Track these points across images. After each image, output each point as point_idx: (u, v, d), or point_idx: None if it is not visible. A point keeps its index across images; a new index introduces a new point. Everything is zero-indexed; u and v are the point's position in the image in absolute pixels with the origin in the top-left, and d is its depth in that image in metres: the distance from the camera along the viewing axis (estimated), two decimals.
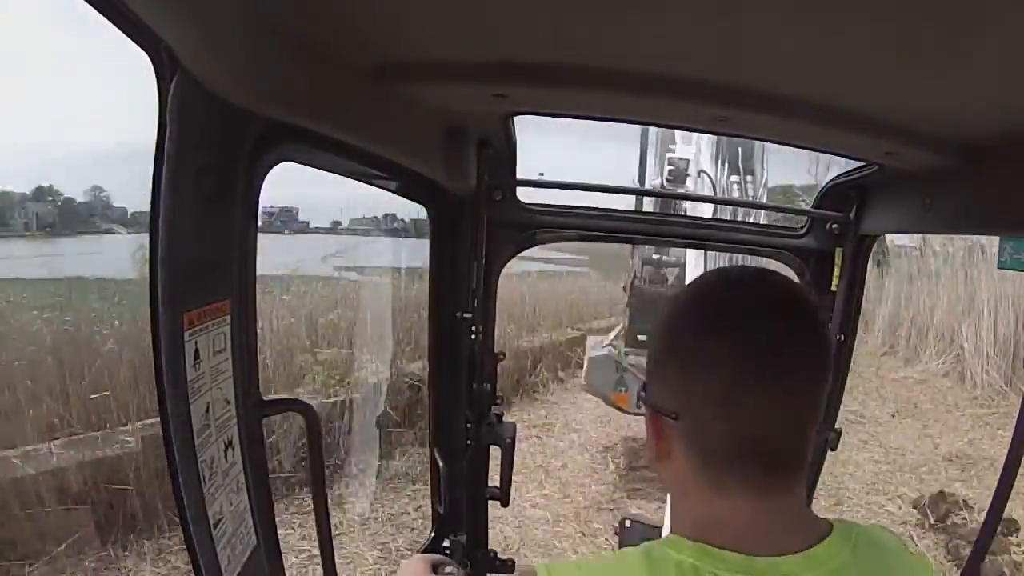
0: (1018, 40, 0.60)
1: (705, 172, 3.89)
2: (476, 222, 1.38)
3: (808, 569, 0.59)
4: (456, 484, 1.51)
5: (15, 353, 4.00)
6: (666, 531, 0.72)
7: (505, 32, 0.76)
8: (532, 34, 0.75)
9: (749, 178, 4.12)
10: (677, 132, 4.02)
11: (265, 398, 0.86)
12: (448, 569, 1.02)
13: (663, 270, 4.32)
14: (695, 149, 4.05)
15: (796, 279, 1.57)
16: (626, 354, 4.27)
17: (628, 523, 1.59)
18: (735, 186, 4.09)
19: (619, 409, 4.47)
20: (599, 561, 0.68)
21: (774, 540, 0.60)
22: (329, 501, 1.03)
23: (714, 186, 3.90)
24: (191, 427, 0.69)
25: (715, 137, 3.86)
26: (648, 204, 3.82)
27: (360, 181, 1.12)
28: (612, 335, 4.71)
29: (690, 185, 3.88)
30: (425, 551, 1.51)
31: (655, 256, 4.35)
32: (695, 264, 3.56)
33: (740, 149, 4.06)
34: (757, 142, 3.67)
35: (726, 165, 3.99)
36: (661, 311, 0.69)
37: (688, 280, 3.49)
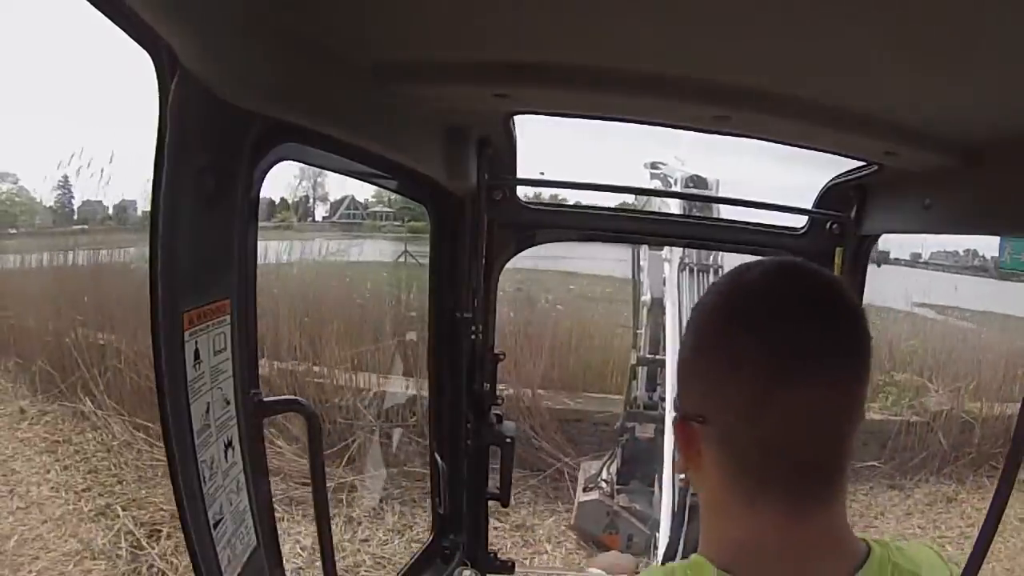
0: (1018, 40, 0.60)
1: (701, 175, 3.86)
2: (476, 222, 1.38)
3: None
4: (456, 484, 1.51)
5: None
6: None
7: (505, 32, 0.76)
8: (532, 34, 0.75)
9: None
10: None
11: (265, 398, 0.86)
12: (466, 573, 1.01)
13: (654, 396, 4.21)
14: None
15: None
16: (619, 491, 4.28)
17: None
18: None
19: (608, 550, 4.30)
20: None
21: (806, 569, 0.56)
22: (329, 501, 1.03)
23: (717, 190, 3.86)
24: (191, 427, 0.69)
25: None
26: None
27: (360, 181, 1.13)
28: (602, 472, 4.59)
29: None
30: (425, 552, 1.51)
31: (650, 356, 4.25)
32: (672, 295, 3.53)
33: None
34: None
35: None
36: (694, 308, 0.65)
37: (669, 297, 3.45)
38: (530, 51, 0.81)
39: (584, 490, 4.54)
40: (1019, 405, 1.32)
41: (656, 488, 3.74)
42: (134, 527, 4.11)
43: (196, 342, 0.69)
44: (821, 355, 0.55)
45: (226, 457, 0.76)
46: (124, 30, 0.58)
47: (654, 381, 4.33)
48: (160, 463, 4.52)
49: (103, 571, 3.74)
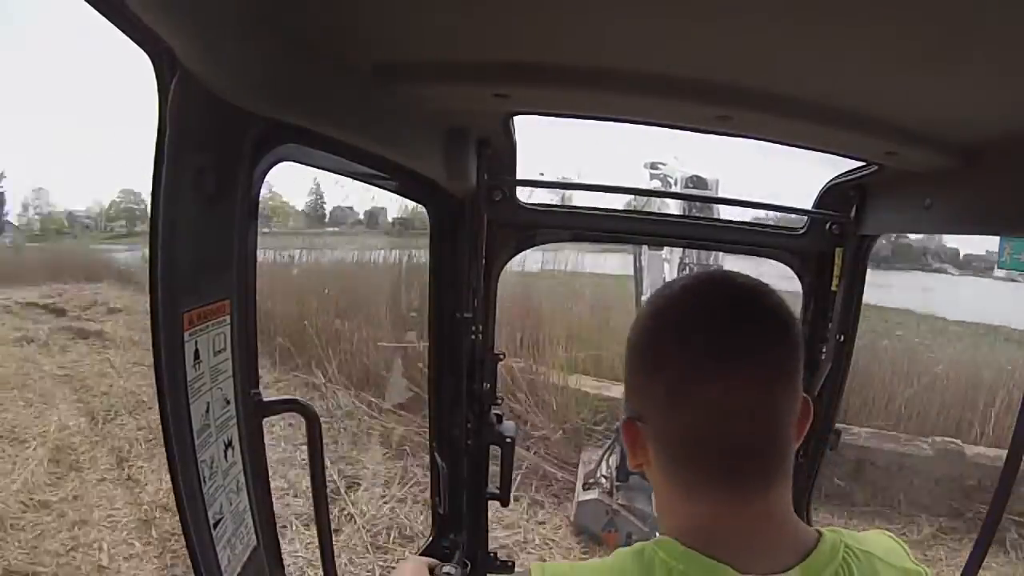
0: (1018, 40, 0.60)
1: (700, 176, 3.88)
2: (476, 222, 1.38)
3: None
4: (456, 484, 1.51)
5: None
6: None
7: (505, 32, 0.76)
8: (532, 34, 0.75)
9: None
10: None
11: (265, 398, 0.86)
12: (446, 569, 1.02)
13: None
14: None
15: (796, 279, 1.57)
16: (619, 488, 4.28)
17: None
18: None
19: (612, 547, 4.36)
20: (591, 562, 0.67)
21: (765, 554, 0.59)
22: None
23: (715, 191, 3.89)
24: (191, 427, 0.69)
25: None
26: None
27: (360, 181, 1.13)
28: (601, 467, 4.58)
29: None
30: (425, 551, 1.51)
31: None
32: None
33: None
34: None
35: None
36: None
37: None
38: (530, 51, 0.81)
39: (584, 487, 4.54)
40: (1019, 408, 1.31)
41: None
42: (337, 478, 4.90)
43: (196, 342, 0.69)
44: (735, 352, 0.59)
45: (226, 457, 0.76)
46: (124, 31, 0.58)
47: None
48: (375, 431, 5.65)
49: (302, 507, 4.34)
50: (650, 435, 0.63)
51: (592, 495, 4.37)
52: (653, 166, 4.13)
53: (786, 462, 0.62)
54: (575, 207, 1.52)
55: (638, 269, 4.53)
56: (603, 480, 4.43)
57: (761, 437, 0.60)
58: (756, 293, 0.64)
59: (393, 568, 1.07)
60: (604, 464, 4.51)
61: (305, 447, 0.95)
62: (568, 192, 2.21)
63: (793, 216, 1.67)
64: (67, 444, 5.22)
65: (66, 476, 4.90)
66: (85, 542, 4.20)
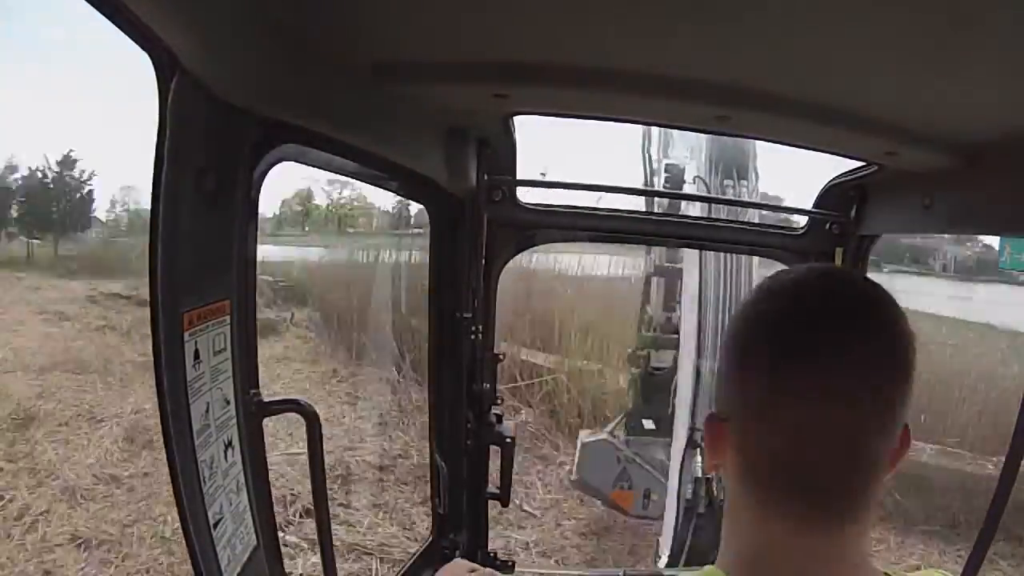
0: (1018, 40, 0.60)
1: (701, 178, 3.85)
2: (476, 222, 1.38)
3: None
4: (456, 484, 1.51)
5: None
6: None
7: (505, 32, 0.76)
8: (532, 34, 0.75)
9: (743, 182, 4.07)
10: (675, 134, 3.94)
11: (265, 399, 0.86)
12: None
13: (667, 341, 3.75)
14: (687, 154, 3.92)
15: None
16: (627, 443, 3.66)
17: None
18: (729, 191, 3.99)
19: (620, 511, 3.71)
20: None
21: None
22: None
23: (708, 190, 3.83)
24: (191, 427, 0.69)
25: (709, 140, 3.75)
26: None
27: (360, 181, 1.13)
28: (610, 427, 4.01)
29: (687, 191, 3.81)
30: (425, 551, 1.51)
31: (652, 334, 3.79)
32: (691, 266, 3.48)
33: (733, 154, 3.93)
34: (750, 146, 3.62)
35: (720, 170, 3.85)
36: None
37: (685, 304, 3.31)
38: (530, 51, 0.81)
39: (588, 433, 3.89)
40: (1019, 405, 1.32)
41: (672, 437, 3.30)
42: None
43: (196, 342, 0.69)
44: (841, 367, 0.53)
45: (226, 457, 0.76)
46: (123, 31, 0.58)
47: (673, 296, 3.75)
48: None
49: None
50: (733, 440, 0.58)
51: (599, 437, 3.72)
52: (667, 168, 4.09)
53: (870, 494, 0.56)
54: (575, 207, 1.52)
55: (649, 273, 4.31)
56: (611, 436, 3.80)
57: (847, 468, 0.54)
58: (869, 296, 0.57)
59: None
60: (611, 426, 3.95)
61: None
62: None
63: (793, 216, 1.67)
64: (142, 425, 5.40)
65: (138, 454, 5.11)
66: (150, 515, 4.41)
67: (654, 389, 3.67)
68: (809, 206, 1.53)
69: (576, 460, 3.79)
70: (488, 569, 1.05)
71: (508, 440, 1.45)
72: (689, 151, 3.93)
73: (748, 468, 0.57)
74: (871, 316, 0.55)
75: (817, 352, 0.53)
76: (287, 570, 0.98)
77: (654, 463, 3.48)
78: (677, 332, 3.57)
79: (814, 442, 0.53)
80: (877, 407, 0.54)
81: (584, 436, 3.86)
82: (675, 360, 3.52)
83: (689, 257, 3.48)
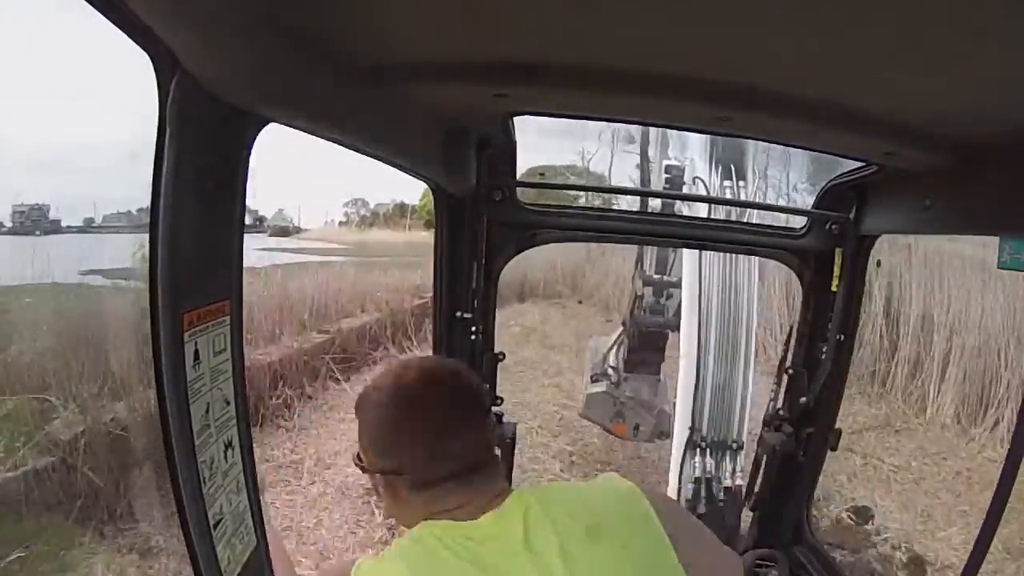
0: (1018, 40, 0.60)
1: (700, 178, 3.90)
2: (476, 222, 1.38)
3: (498, 519, 0.85)
4: None
5: None
6: None
7: (505, 32, 0.76)
8: (532, 34, 0.75)
9: (741, 183, 4.13)
10: (673, 134, 4.01)
11: None
12: None
13: (662, 300, 4.28)
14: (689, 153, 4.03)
15: (797, 278, 1.57)
16: (626, 379, 4.41)
17: None
18: (728, 191, 4.09)
19: (619, 437, 4.64)
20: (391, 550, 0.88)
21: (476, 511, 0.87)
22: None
23: (707, 190, 3.90)
24: (191, 427, 0.69)
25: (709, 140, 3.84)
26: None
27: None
28: (613, 337, 4.66)
29: (686, 191, 3.87)
30: None
31: (656, 276, 4.31)
32: (689, 265, 3.53)
33: (732, 153, 4.04)
34: (749, 146, 3.67)
35: (719, 170, 3.97)
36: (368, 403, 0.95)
37: (685, 304, 3.50)
38: (530, 51, 0.81)
39: (592, 380, 4.62)
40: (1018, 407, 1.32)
41: (661, 375, 4.25)
42: None
43: (196, 343, 0.69)
44: (448, 419, 0.90)
45: (226, 457, 0.76)
46: (123, 31, 0.58)
47: (665, 265, 4.31)
48: None
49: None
50: (409, 478, 0.90)
51: (600, 387, 4.47)
52: (667, 169, 4.14)
53: (488, 455, 0.93)
54: (575, 207, 1.52)
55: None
56: (610, 371, 4.50)
57: (472, 455, 0.90)
58: (455, 375, 0.96)
59: None
60: (612, 355, 4.58)
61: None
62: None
63: (793, 216, 1.67)
64: None
65: None
66: None
67: (650, 339, 4.36)
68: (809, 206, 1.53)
69: (584, 403, 4.67)
70: None
71: (508, 440, 1.45)
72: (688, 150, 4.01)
73: (425, 483, 0.89)
74: (460, 387, 0.94)
75: (440, 418, 0.91)
76: None
77: (642, 403, 4.31)
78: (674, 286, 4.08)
79: (457, 453, 0.89)
80: (474, 428, 0.93)
81: (589, 387, 4.62)
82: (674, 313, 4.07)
83: (689, 257, 3.54)
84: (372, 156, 0.99)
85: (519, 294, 10.04)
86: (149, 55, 0.62)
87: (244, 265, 0.77)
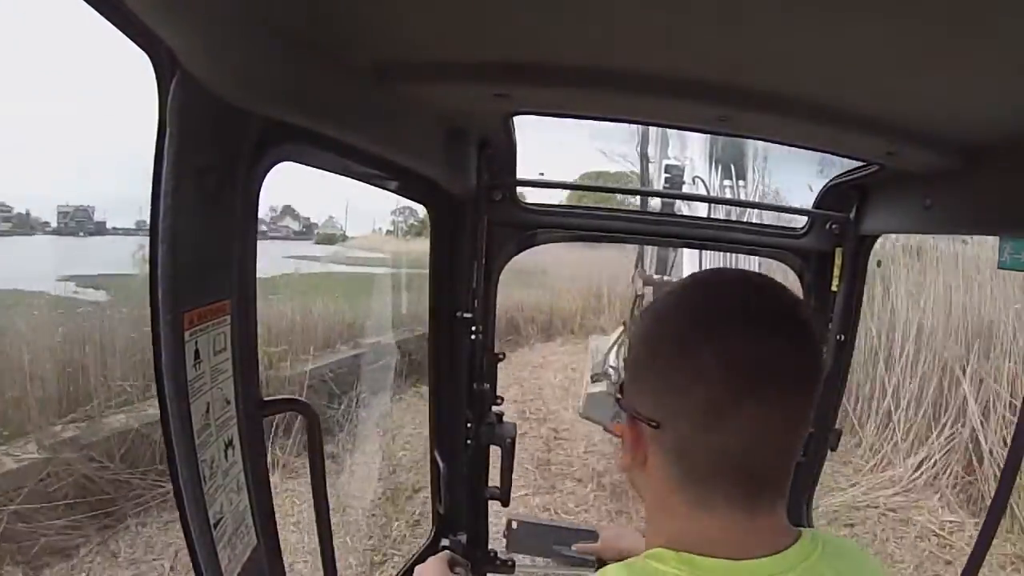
0: (1018, 40, 0.60)
1: (700, 178, 3.91)
2: (476, 222, 1.38)
3: (786, 569, 0.59)
4: (456, 484, 1.51)
5: None
6: None
7: (506, 32, 0.76)
8: (533, 34, 0.75)
9: (741, 183, 4.14)
10: (673, 133, 4.02)
11: (265, 398, 0.86)
12: (457, 569, 1.04)
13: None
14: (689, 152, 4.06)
15: (798, 280, 1.57)
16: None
17: (515, 524, 1.51)
18: (728, 191, 4.11)
19: (619, 436, 4.62)
20: None
21: (753, 549, 0.59)
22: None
23: (707, 190, 3.92)
24: (191, 427, 0.69)
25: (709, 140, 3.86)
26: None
27: (360, 181, 1.13)
28: (613, 337, 4.68)
29: (686, 190, 3.89)
30: (425, 551, 1.51)
31: (656, 276, 4.34)
32: (689, 265, 3.55)
33: (732, 152, 4.06)
34: (749, 146, 3.68)
35: (719, 169, 3.99)
36: (647, 310, 0.66)
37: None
38: (531, 51, 0.81)
39: (592, 379, 4.62)
40: (1019, 407, 1.32)
41: None
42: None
43: (196, 342, 0.69)
44: (780, 374, 0.57)
45: (226, 457, 0.76)
46: (123, 31, 0.58)
47: (665, 265, 4.33)
48: None
49: None
50: (662, 442, 0.60)
51: (601, 387, 4.48)
52: (667, 169, 4.16)
53: (790, 479, 0.63)
54: (575, 207, 1.52)
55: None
56: (611, 371, 4.50)
57: (785, 455, 0.60)
58: (798, 307, 0.62)
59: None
60: (612, 355, 4.58)
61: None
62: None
63: (794, 216, 1.67)
64: None
65: None
66: None
67: None
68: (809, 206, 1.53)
69: (583, 403, 4.71)
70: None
71: (508, 440, 1.45)
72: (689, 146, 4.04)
73: (686, 469, 0.60)
74: (806, 332, 0.60)
75: (768, 365, 0.57)
76: None
77: None
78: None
79: (761, 444, 0.58)
80: (804, 412, 0.60)
81: (590, 387, 4.67)
82: None
83: (690, 257, 3.56)
84: (371, 156, 0.99)
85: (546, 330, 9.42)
86: (149, 55, 0.62)
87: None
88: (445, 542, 1.53)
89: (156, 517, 4.02)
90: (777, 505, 0.61)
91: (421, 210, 1.58)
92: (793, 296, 0.63)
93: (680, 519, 0.61)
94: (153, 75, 0.63)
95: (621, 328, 4.77)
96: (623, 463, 0.65)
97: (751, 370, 0.56)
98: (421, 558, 1.48)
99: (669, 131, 4.02)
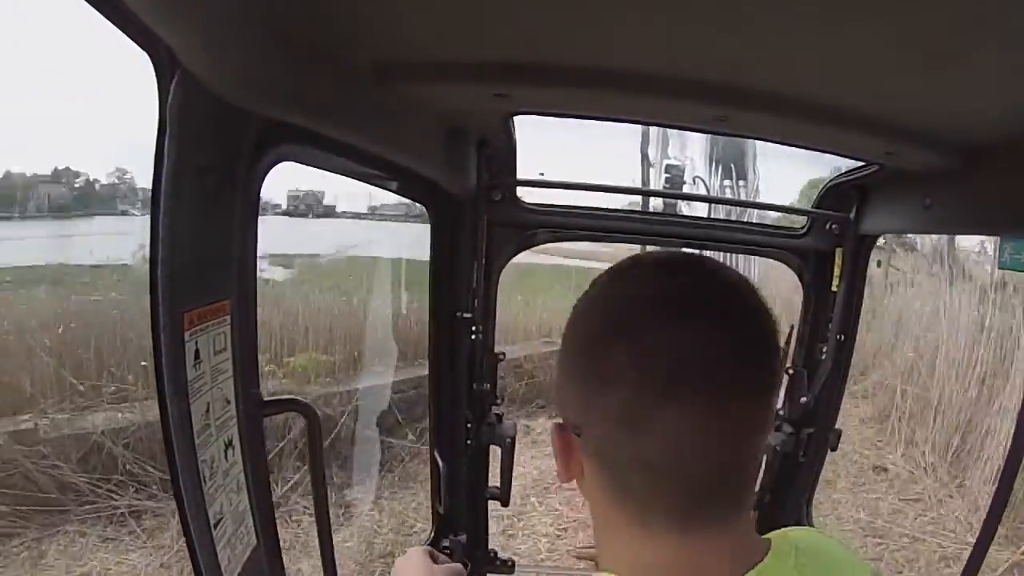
0: (1018, 40, 0.60)
1: (700, 178, 3.91)
2: (476, 222, 1.38)
3: None
4: (456, 484, 1.51)
5: None
6: None
7: (506, 32, 0.76)
8: (533, 34, 0.75)
9: (742, 183, 4.14)
10: (673, 133, 4.03)
11: (265, 398, 0.86)
12: (441, 559, 1.04)
13: None
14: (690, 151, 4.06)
15: (797, 278, 1.57)
16: None
17: None
18: (728, 191, 4.10)
19: None
20: None
21: (706, 574, 0.51)
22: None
23: (708, 190, 3.91)
24: (191, 427, 0.69)
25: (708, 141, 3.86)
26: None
27: (360, 181, 1.13)
28: None
29: (686, 190, 3.88)
30: None
31: None
32: None
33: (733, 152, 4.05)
34: (749, 146, 3.68)
35: (720, 169, 3.99)
36: (575, 305, 0.57)
37: None
38: (531, 51, 0.81)
39: None
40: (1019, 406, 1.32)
41: None
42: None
43: (196, 342, 0.69)
44: (714, 372, 0.48)
45: (226, 457, 0.76)
46: (123, 30, 0.58)
47: None
48: None
49: None
50: (591, 451, 0.53)
51: None
52: (667, 169, 4.16)
53: (753, 484, 0.54)
54: (575, 207, 1.52)
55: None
56: None
57: (731, 471, 0.51)
58: (734, 288, 0.52)
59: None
60: None
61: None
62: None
63: (793, 216, 1.67)
64: None
65: None
66: None
67: None
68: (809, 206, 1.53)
69: None
70: (443, 558, 1.06)
71: (508, 440, 1.45)
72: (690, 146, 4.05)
73: (617, 481, 0.52)
74: (744, 315, 0.51)
75: (692, 358, 0.48)
76: None
77: None
78: None
79: (696, 451, 0.48)
80: (761, 405, 0.50)
81: None
82: None
83: None
84: (371, 156, 0.99)
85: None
86: (149, 55, 0.62)
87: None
88: (445, 542, 1.53)
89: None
90: (732, 521, 0.52)
91: None
92: (741, 279, 0.53)
93: (622, 539, 0.54)
94: (153, 75, 0.63)
95: None
96: (558, 472, 0.57)
97: (673, 369, 0.48)
98: None
99: (669, 131, 4.02)
